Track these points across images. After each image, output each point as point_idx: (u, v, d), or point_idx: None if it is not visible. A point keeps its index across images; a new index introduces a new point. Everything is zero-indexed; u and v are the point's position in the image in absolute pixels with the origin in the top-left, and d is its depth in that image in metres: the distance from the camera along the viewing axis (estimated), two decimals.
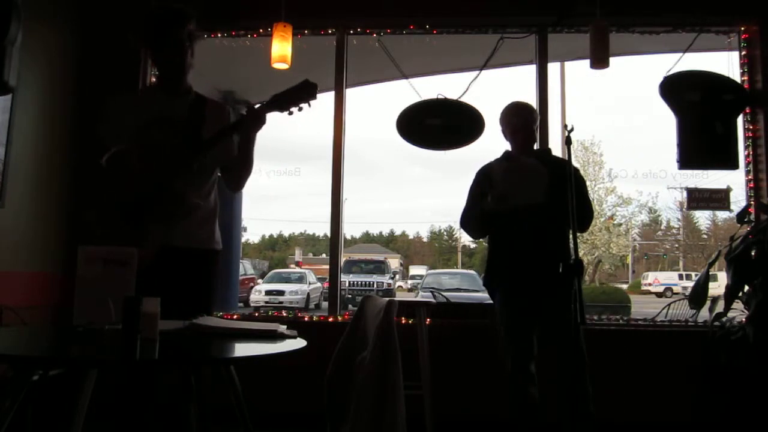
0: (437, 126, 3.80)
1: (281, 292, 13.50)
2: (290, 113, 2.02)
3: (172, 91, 2.18)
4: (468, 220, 2.84)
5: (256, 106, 2.07)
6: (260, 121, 2.08)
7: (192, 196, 2.09)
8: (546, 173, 2.56)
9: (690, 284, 8.12)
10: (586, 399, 2.55)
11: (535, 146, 2.92)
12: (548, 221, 2.63)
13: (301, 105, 2.02)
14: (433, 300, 4.07)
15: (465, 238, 27.79)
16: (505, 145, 2.87)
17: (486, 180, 2.74)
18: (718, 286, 3.50)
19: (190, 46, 2.15)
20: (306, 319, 3.81)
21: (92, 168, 2.21)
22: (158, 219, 2.05)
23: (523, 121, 2.78)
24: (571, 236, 2.51)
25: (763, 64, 3.54)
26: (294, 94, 2.01)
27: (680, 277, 20.14)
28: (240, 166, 2.20)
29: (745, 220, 3.43)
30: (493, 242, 2.83)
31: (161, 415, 2.04)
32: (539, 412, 2.59)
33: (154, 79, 3.79)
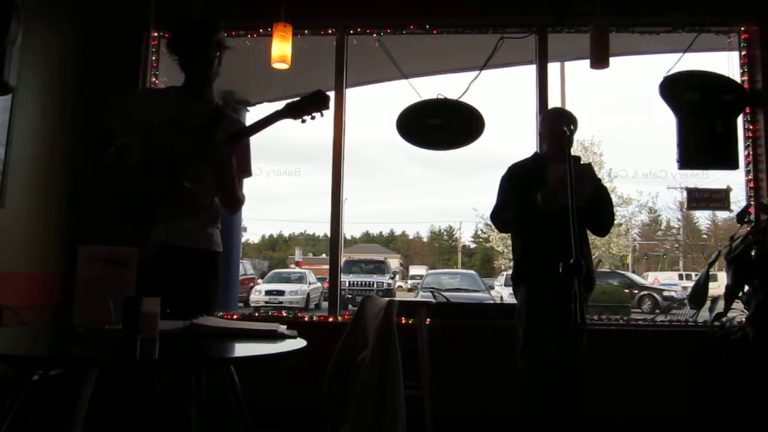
0: (437, 126, 3.80)
1: (281, 292, 13.48)
2: (303, 121, 2.08)
3: (195, 97, 2.21)
4: (501, 215, 2.90)
5: (271, 111, 2.10)
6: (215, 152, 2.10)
7: (199, 196, 2.12)
8: (594, 182, 2.67)
9: (690, 284, 8.11)
10: (573, 404, 2.57)
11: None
12: (580, 226, 2.70)
13: (314, 114, 2.08)
14: (433, 300, 4.06)
15: (465, 238, 27.78)
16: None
17: (524, 178, 2.80)
18: (718, 286, 3.50)
19: (218, 58, 2.20)
20: (306, 319, 3.81)
21: (94, 160, 2.22)
22: (168, 215, 2.06)
23: (568, 128, 2.82)
24: (572, 237, 2.54)
25: (763, 64, 3.53)
26: (308, 104, 2.07)
27: (680, 277, 20.11)
28: (222, 192, 2.20)
29: (745, 220, 3.43)
30: (524, 240, 2.87)
31: (161, 415, 2.04)
32: (551, 412, 2.61)
33: (154, 79, 3.80)
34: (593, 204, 2.68)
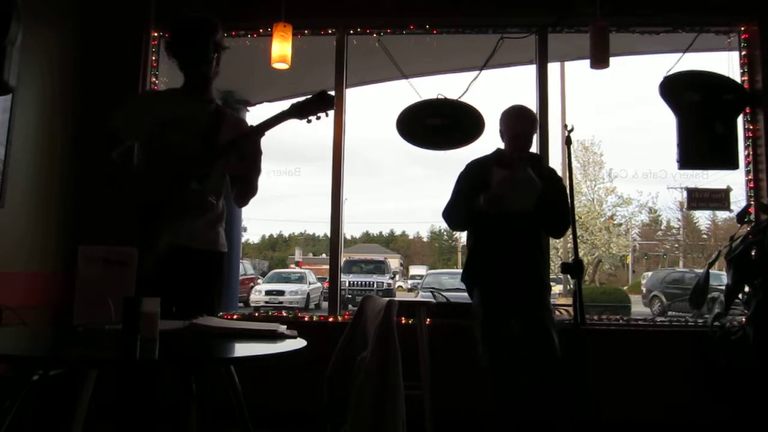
0: (437, 126, 3.80)
1: (281, 292, 13.49)
2: (309, 121, 2.12)
3: (196, 97, 2.22)
4: (452, 213, 2.90)
5: (276, 111, 2.13)
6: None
7: (207, 196, 2.14)
8: (540, 185, 2.68)
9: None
10: (562, 395, 2.58)
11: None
12: (532, 229, 2.79)
13: (320, 114, 2.12)
14: (433, 300, 4.06)
15: (465, 238, 27.78)
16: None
17: (478, 178, 2.79)
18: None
19: (217, 57, 2.21)
20: (306, 319, 3.81)
21: (96, 164, 2.23)
22: (174, 216, 2.07)
23: (525, 128, 2.83)
24: (570, 238, 2.57)
25: (763, 64, 3.53)
26: (313, 104, 2.11)
27: None
28: (243, 184, 2.26)
29: (745, 220, 3.43)
30: (477, 241, 2.89)
31: (162, 415, 2.05)
32: (520, 406, 2.64)
33: (154, 79, 3.80)
34: (544, 207, 2.69)
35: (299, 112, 2.10)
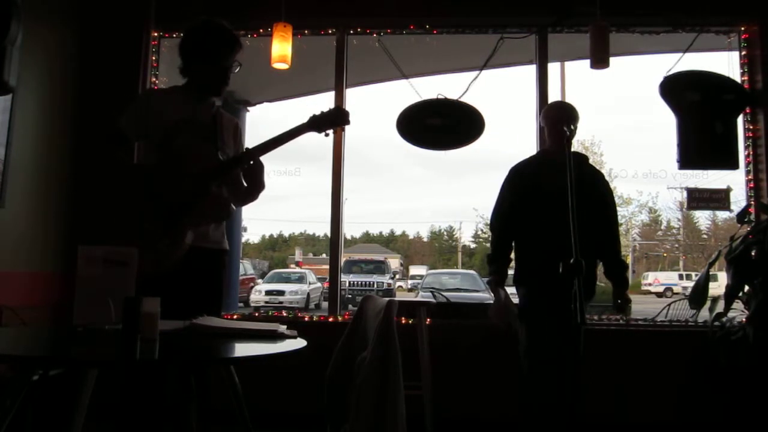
0: (437, 126, 3.80)
1: (281, 292, 13.49)
2: (326, 135, 2.23)
3: (200, 99, 2.24)
4: (495, 247, 2.81)
5: (295, 125, 2.20)
6: (255, 165, 2.23)
7: (227, 199, 2.21)
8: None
9: (690, 284, 8.11)
10: (579, 400, 2.57)
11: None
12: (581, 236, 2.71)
13: (336, 128, 2.23)
14: (433, 300, 4.06)
15: (465, 238, 27.77)
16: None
17: (528, 181, 2.74)
18: (718, 286, 3.49)
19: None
20: (306, 319, 3.81)
21: (96, 163, 2.23)
22: (197, 220, 2.10)
23: (568, 120, 2.75)
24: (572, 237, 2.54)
25: (763, 64, 3.53)
26: (331, 118, 2.21)
27: (680, 277, 20.10)
28: (247, 191, 2.31)
29: (745, 220, 3.43)
30: (525, 242, 2.80)
31: (162, 415, 2.05)
32: (552, 417, 2.60)
33: (154, 79, 3.80)
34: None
35: (316, 126, 2.19)
